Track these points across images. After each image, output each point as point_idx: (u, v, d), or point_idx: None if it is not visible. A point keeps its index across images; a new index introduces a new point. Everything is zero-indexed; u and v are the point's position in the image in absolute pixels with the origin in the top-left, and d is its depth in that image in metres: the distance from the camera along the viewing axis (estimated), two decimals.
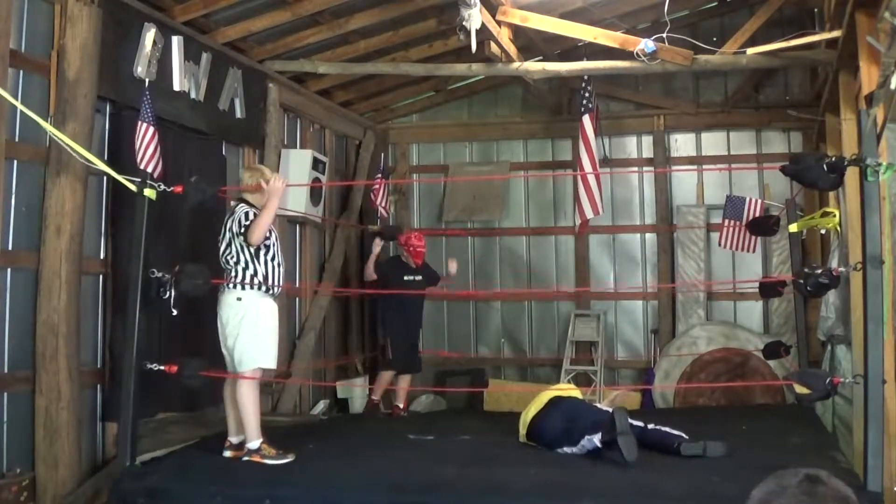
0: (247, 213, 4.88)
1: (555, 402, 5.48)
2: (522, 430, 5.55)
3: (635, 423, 5.00)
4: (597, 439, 4.86)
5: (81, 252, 4.95)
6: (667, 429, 5.07)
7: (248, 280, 4.88)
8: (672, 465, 4.68)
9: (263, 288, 4.92)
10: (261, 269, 4.92)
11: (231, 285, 4.90)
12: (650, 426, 5.07)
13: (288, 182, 6.87)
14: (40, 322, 4.75)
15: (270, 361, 4.95)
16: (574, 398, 5.70)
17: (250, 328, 4.84)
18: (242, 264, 4.90)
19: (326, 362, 8.31)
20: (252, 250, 4.89)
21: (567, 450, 5.11)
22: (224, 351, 4.96)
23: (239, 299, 4.88)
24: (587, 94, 7.90)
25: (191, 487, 4.52)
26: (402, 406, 7.46)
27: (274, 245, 5.03)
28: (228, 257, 4.95)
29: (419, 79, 8.63)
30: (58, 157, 4.77)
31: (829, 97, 6.63)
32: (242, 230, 4.83)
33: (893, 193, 4.73)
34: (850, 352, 5.93)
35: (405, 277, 7.40)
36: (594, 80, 8.01)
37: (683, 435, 4.97)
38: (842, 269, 4.52)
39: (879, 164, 3.99)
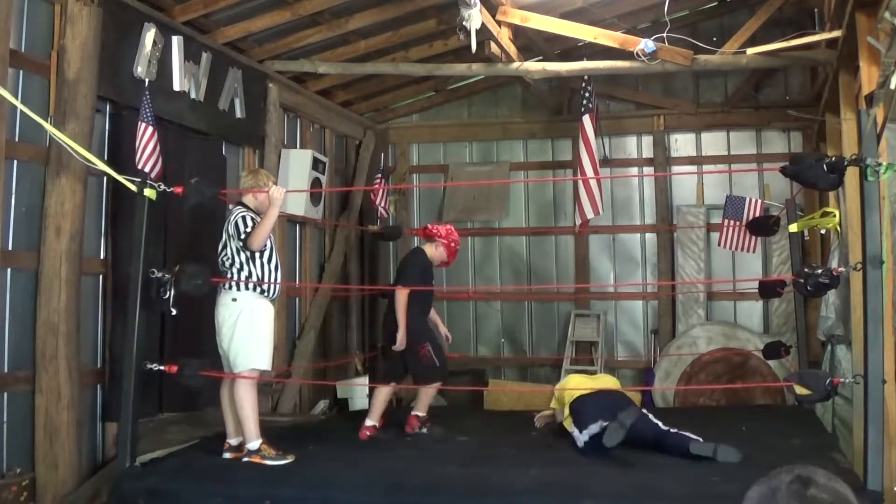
0: (244, 218, 4.88)
1: (604, 391, 5.63)
2: (568, 401, 5.59)
3: (655, 420, 5.09)
4: (599, 425, 4.95)
5: (81, 252, 4.95)
6: (687, 433, 5.03)
7: (243, 281, 4.88)
8: (672, 465, 4.68)
9: (259, 289, 4.93)
10: (256, 272, 4.91)
11: (227, 286, 4.90)
12: (672, 430, 5.06)
13: (288, 184, 6.95)
14: (40, 322, 4.75)
15: (265, 363, 4.95)
16: (620, 393, 5.84)
17: (245, 329, 4.84)
18: (238, 266, 4.90)
19: (326, 362, 8.31)
20: (248, 253, 4.89)
21: (577, 434, 5.16)
22: (221, 352, 4.97)
23: (234, 300, 4.88)
24: (587, 94, 7.90)
25: (191, 488, 4.53)
26: (424, 414, 6.06)
27: (270, 248, 5.03)
28: (224, 259, 4.96)
29: (419, 79, 8.63)
30: (58, 157, 4.77)
31: (829, 97, 6.63)
32: (242, 236, 4.83)
33: (893, 193, 4.73)
34: (850, 352, 5.93)
35: (433, 279, 6.32)
36: (594, 80, 8.01)
37: (700, 440, 4.91)
38: (842, 269, 4.52)
39: (879, 164, 3.99)
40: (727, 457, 4.68)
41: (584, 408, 5.32)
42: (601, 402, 5.34)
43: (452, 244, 6.20)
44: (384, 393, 5.99)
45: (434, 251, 6.16)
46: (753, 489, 1.51)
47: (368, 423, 5.89)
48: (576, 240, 9.21)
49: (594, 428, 5.02)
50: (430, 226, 6.35)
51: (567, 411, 5.54)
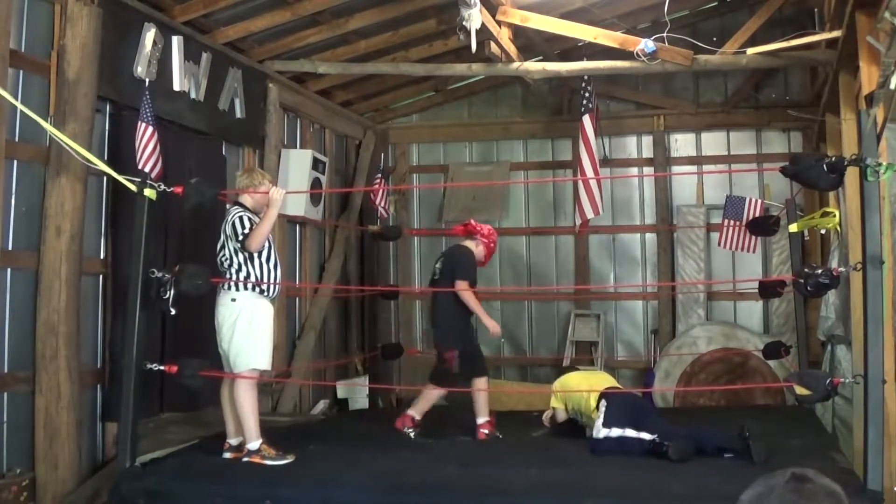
0: (241, 218, 4.86)
1: (634, 394, 5.83)
2: (594, 399, 5.56)
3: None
4: (645, 435, 5.03)
5: (81, 252, 4.94)
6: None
7: (242, 281, 4.88)
8: (673, 466, 4.69)
9: (258, 290, 4.92)
10: (254, 272, 4.91)
11: (226, 286, 4.90)
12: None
13: (288, 184, 6.95)
14: (40, 322, 4.75)
15: (264, 363, 4.94)
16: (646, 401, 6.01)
17: (244, 329, 4.83)
18: (236, 266, 4.90)
19: (326, 362, 8.31)
20: (246, 253, 4.88)
21: (601, 426, 5.20)
22: (221, 352, 4.96)
23: (233, 300, 4.87)
24: (587, 94, 7.90)
25: (191, 488, 4.53)
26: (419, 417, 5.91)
27: (269, 248, 5.02)
28: (223, 259, 4.95)
29: (419, 79, 8.62)
30: (58, 157, 4.77)
31: (829, 97, 6.63)
32: (240, 237, 4.82)
33: (893, 193, 4.73)
34: (850, 352, 5.93)
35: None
36: (594, 80, 8.00)
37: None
38: (842, 269, 4.52)
39: (879, 164, 3.99)
40: (758, 451, 4.66)
41: (619, 407, 5.35)
42: (639, 410, 5.45)
43: (492, 245, 6.01)
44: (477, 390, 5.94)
45: (475, 249, 5.99)
46: (747, 492, 1.56)
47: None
48: (576, 240, 9.21)
49: (631, 432, 5.09)
50: (472, 222, 6.17)
51: (593, 403, 5.51)
